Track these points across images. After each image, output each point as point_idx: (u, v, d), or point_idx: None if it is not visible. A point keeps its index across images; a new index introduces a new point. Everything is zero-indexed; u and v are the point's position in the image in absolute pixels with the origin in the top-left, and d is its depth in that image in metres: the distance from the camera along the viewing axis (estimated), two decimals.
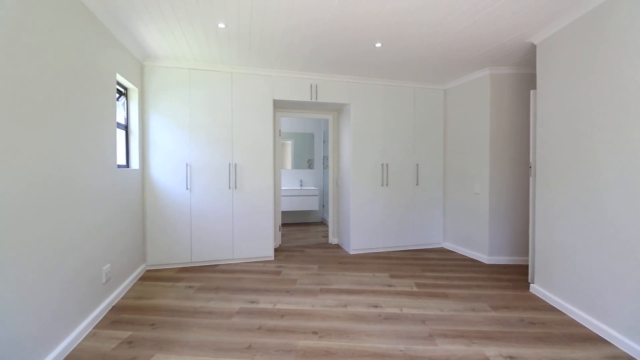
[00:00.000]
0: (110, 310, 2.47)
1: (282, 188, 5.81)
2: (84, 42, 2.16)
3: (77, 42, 2.07)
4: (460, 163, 4.14)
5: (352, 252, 4.12)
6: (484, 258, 3.76)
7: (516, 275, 3.29)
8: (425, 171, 4.39)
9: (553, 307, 2.56)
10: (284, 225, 5.95)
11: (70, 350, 1.91)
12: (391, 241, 4.27)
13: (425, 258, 3.94)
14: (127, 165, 3.22)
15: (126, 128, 3.20)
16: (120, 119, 3.05)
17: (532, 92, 2.96)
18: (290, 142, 6.33)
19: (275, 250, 4.25)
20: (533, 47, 2.99)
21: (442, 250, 4.30)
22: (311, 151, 6.47)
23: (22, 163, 1.54)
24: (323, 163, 6.40)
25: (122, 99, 3.13)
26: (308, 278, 3.21)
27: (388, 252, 4.22)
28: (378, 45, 3.01)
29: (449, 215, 4.37)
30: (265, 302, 2.63)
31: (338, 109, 4.51)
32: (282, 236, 4.90)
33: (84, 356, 1.87)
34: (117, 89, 2.89)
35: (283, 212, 5.97)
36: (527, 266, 3.49)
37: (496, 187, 3.68)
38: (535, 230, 2.86)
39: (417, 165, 4.34)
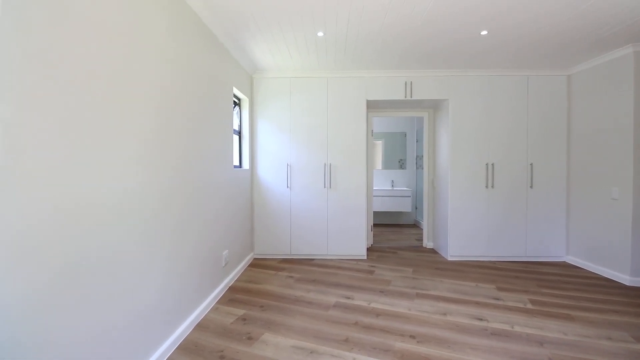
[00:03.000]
0: (227, 289, 2.87)
1: (374, 188, 5.79)
2: (213, 63, 2.57)
3: (209, 63, 2.48)
4: (591, 162, 3.45)
5: (450, 259, 3.85)
6: (625, 279, 3.05)
7: None
8: (542, 172, 3.79)
9: None
10: (374, 225, 5.92)
11: (200, 319, 2.30)
12: (497, 250, 3.83)
13: (541, 272, 3.41)
14: (240, 165, 3.70)
15: (239, 133, 3.68)
16: (235, 125, 3.52)
17: None
18: (380, 142, 6.27)
19: (367, 249, 4.27)
20: None
21: (564, 265, 3.65)
22: (403, 151, 6.28)
23: (182, 168, 1.94)
24: (416, 163, 6.15)
25: (236, 108, 3.61)
26: (402, 281, 3.14)
27: (493, 261, 3.80)
28: (484, 32, 2.75)
29: (575, 225, 3.68)
30: (360, 300, 2.68)
31: (434, 106, 4.27)
32: (373, 236, 4.89)
33: (210, 325, 2.23)
34: (233, 100, 3.35)
35: (374, 213, 5.94)
36: None
37: None
38: None
39: (531, 165, 3.79)
